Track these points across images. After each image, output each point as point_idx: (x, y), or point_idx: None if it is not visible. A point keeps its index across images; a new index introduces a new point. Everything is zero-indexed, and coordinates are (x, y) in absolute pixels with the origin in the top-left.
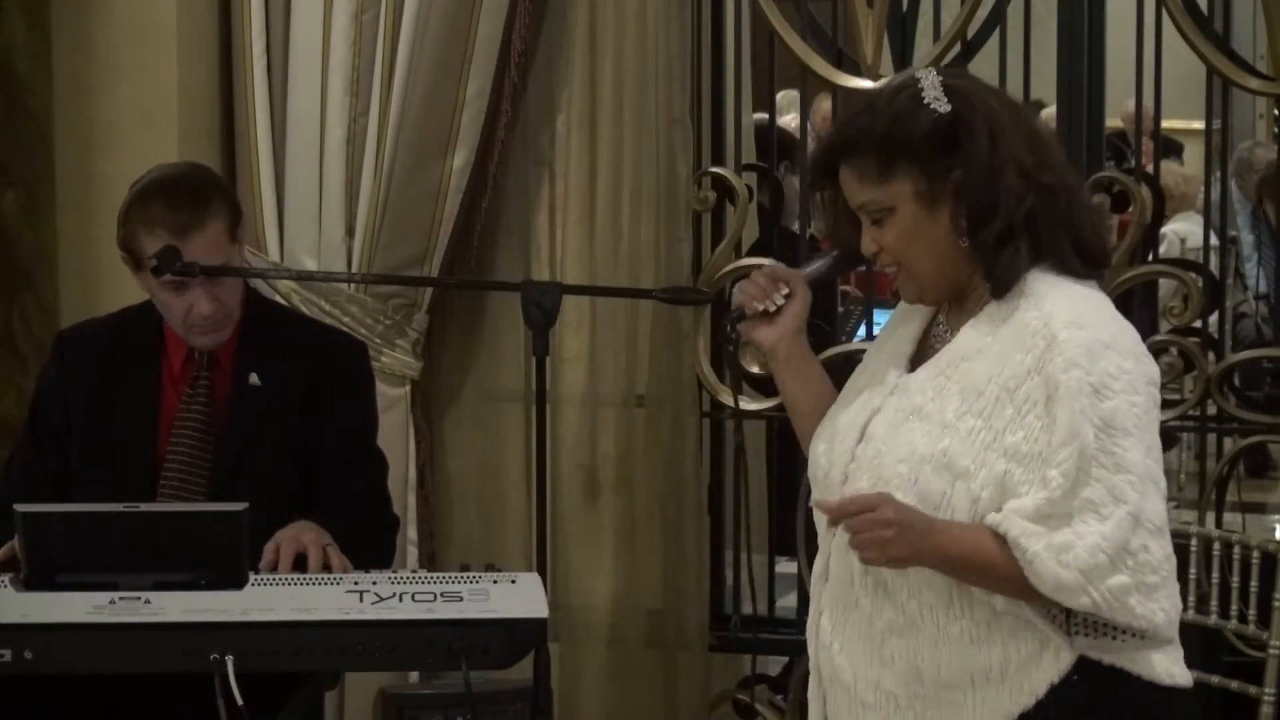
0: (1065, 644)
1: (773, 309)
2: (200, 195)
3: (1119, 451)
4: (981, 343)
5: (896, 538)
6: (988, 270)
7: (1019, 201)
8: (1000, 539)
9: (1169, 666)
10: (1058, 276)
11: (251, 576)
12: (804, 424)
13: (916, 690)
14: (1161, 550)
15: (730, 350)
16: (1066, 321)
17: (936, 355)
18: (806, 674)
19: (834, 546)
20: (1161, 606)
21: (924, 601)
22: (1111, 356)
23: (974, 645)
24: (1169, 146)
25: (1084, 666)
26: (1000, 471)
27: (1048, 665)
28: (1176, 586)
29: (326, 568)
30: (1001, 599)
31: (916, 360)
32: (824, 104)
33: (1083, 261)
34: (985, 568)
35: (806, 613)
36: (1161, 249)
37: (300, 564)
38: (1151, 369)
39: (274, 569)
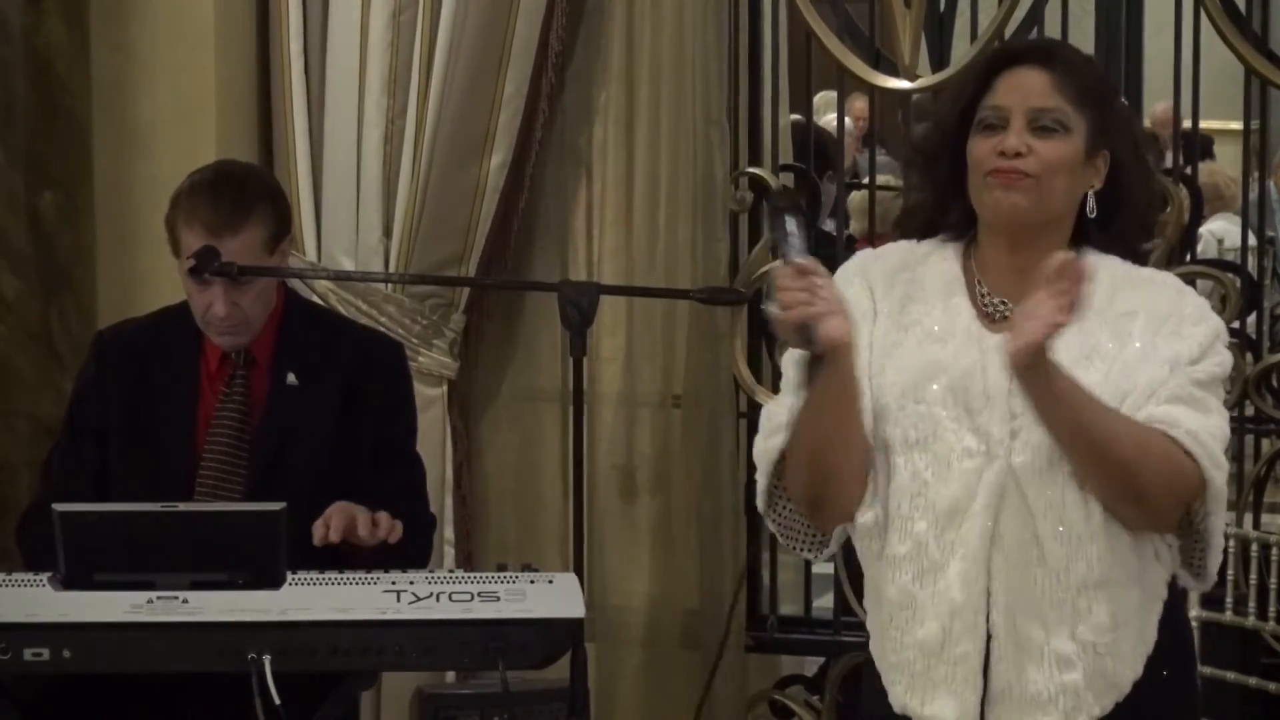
0: (1169, 569)
1: (826, 304)
2: (245, 200)
3: (1223, 396)
4: (1099, 301)
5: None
6: (1108, 242)
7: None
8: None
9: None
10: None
11: (289, 576)
12: (860, 421)
13: (1111, 635)
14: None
15: (819, 371)
16: (1180, 281)
17: None
18: (845, 673)
19: (1007, 507)
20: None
21: (1109, 547)
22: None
23: (1140, 581)
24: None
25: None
26: (1162, 377)
27: (1164, 591)
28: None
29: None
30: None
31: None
32: (856, 102)
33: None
34: (1118, 428)
35: (844, 613)
36: (1198, 249)
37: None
38: None
39: (325, 541)
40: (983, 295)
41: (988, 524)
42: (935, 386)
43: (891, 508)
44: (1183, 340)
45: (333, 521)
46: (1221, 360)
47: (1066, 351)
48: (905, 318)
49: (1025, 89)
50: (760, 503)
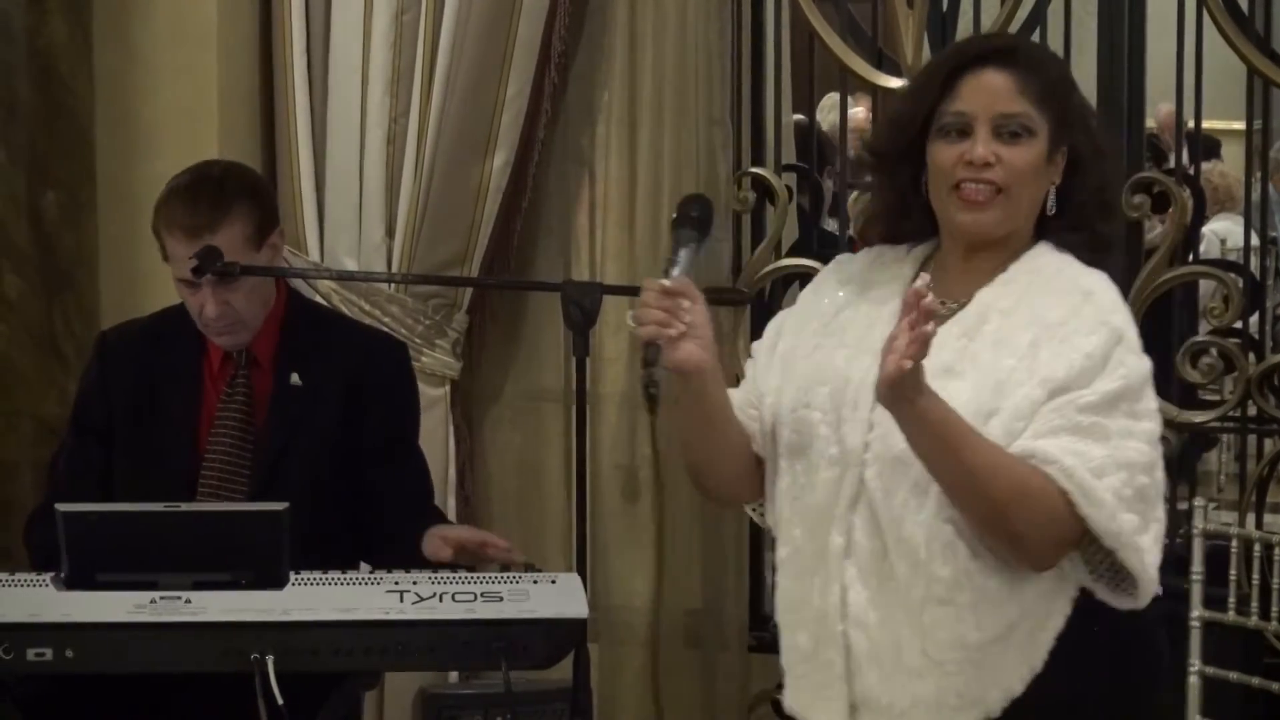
0: (1071, 585)
1: (683, 328)
2: (220, 199)
3: (1142, 406)
4: (1004, 303)
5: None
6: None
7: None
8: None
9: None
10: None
11: (292, 576)
12: (725, 429)
13: (961, 654)
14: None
15: (653, 393)
16: (1097, 283)
17: (956, 317)
18: None
19: (859, 519)
20: (1156, 560)
21: (960, 567)
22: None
23: (1010, 600)
24: (1206, 145)
25: (1081, 605)
26: (1036, 398)
27: (1060, 608)
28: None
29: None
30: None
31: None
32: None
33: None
34: (994, 465)
35: None
36: (1201, 249)
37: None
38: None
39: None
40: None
41: (840, 535)
42: (823, 390)
43: (777, 511)
44: (1065, 355)
45: (464, 536)
46: (1123, 372)
47: (939, 358)
48: (835, 322)
49: (990, 93)
50: None
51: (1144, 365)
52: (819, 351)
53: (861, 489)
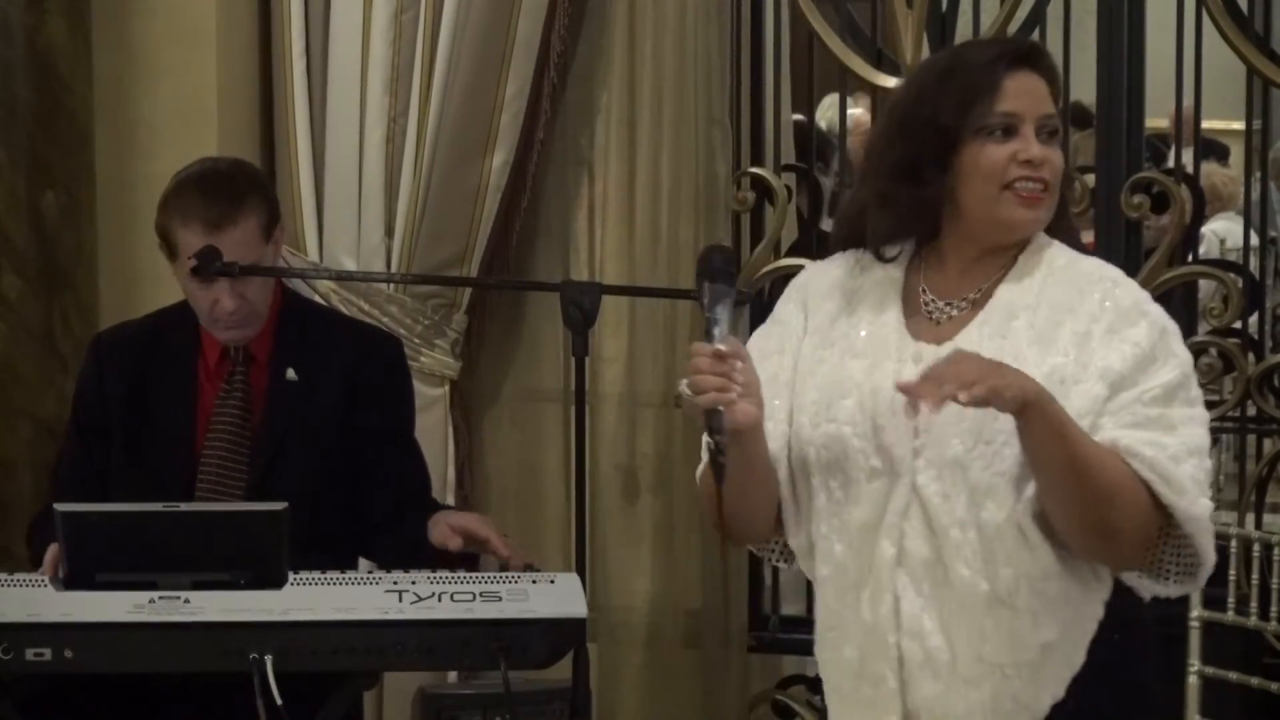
0: (1105, 587)
1: (740, 389)
2: (236, 192)
3: (1195, 394)
4: (1027, 299)
5: (989, 368)
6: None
7: None
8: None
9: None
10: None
11: (291, 576)
12: (768, 477)
13: (1019, 657)
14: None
15: (723, 462)
16: (1117, 272)
17: (981, 316)
18: None
19: (910, 526)
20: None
21: (1020, 570)
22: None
23: (1065, 604)
24: (1213, 148)
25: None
26: (1099, 394)
27: (1096, 612)
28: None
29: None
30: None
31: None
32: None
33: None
34: (1101, 458)
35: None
36: (1201, 249)
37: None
38: None
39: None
40: (927, 303)
41: (891, 545)
42: (847, 403)
43: (813, 530)
44: (1115, 346)
45: (492, 536)
46: (1176, 363)
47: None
48: (833, 333)
49: (1034, 95)
50: None
51: (1189, 355)
52: (825, 365)
53: (914, 496)
